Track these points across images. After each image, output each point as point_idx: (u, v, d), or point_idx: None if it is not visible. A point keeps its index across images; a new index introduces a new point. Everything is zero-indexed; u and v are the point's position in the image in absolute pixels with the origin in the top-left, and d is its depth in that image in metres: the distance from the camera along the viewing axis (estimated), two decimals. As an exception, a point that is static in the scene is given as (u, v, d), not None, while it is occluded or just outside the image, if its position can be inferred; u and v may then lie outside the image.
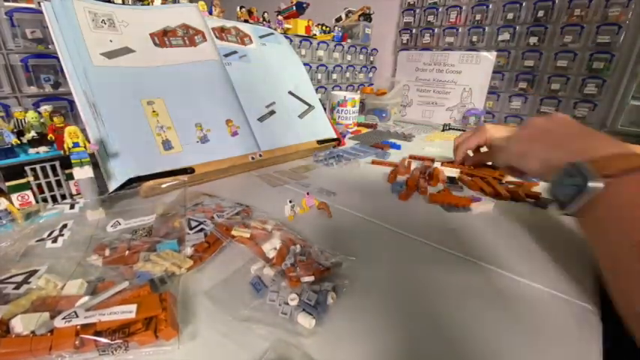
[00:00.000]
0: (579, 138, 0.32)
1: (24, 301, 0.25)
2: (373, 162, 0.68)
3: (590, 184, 0.26)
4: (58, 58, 0.47)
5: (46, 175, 0.40)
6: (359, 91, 1.29)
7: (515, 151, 0.38)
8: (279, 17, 0.99)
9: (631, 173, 0.26)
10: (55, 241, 0.35)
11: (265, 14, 0.96)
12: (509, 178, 0.56)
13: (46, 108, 0.46)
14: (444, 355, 0.24)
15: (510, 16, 1.08)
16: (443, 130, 1.08)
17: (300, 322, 0.25)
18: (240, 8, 0.90)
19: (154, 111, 0.52)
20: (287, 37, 0.90)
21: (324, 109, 0.82)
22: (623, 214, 0.26)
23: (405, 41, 1.34)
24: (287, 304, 0.26)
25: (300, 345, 0.24)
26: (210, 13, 0.78)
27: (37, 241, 0.35)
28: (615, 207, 0.26)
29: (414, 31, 1.30)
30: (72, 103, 0.58)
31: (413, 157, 0.71)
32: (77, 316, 0.23)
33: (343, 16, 1.31)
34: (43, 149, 0.40)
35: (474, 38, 1.17)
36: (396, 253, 0.37)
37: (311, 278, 0.29)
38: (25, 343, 0.21)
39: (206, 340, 0.24)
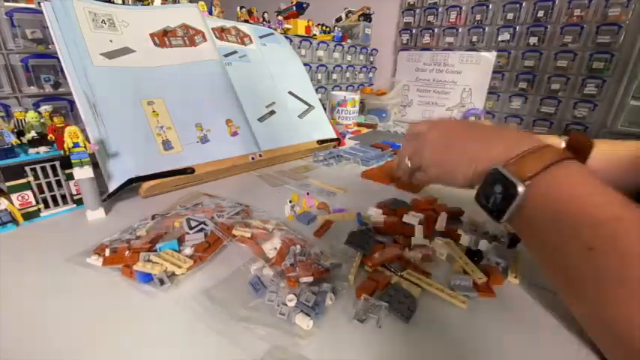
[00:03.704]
0: (488, 137, 0.31)
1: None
2: None
3: (519, 189, 0.25)
4: (58, 58, 0.48)
5: (46, 175, 0.40)
6: (359, 91, 1.28)
7: (435, 172, 0.35)
8: (279, 17, 0.98)
9: (546, 170, 0.25)
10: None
11: (265, 14, 0.96)
12: None
13: (46, 108, 0.46)
14: (443, 356, 0.24)
15: (510, 16, 1.08)
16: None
17: (298, 323, 0.25)
18: (240, 8, 0.90)
19: (154, 111, 0.52)
20: (287, 37, 0.90)
21: (324, 109, 0.82)
22: (553, 215, 0.25)
23: (405, 41, 1.34)
24: (285, 304, 0.26)
25: (297, 346, 0.24)
26: (210, 13, 0.78)
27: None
28: (542, 208, 0.25)
29: (414, 31, 1.30)
30: (72, 103, 0.58)
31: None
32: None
33: (343, 16, 1.31)
34: (43, 149, 0.40)
35: (474, 38, 1.16)
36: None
37: (310, 279, 0.29)
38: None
39: (205, 339, 0.24)
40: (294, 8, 1.03)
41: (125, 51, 0.53)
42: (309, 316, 0.25)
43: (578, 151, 0.41)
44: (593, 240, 0.22)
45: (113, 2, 0.60)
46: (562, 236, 0.24)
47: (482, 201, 0.29)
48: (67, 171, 0.41)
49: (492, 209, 0.28)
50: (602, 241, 0.22)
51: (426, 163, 0.36)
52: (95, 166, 0.42)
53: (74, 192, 0.43)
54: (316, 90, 0.93)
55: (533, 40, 1.05)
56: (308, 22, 1.05)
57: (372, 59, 1.39)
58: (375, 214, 0.42)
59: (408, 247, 0.36)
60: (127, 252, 0.32)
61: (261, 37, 0.77)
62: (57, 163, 0.41)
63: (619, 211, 0.22)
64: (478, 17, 1.14)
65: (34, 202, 0.40)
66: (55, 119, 0.41)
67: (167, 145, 0.51)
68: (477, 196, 0.30)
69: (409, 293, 0.28)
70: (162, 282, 0.29)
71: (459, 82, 1.20)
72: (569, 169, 0.26)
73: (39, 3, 0.48)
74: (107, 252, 0.33)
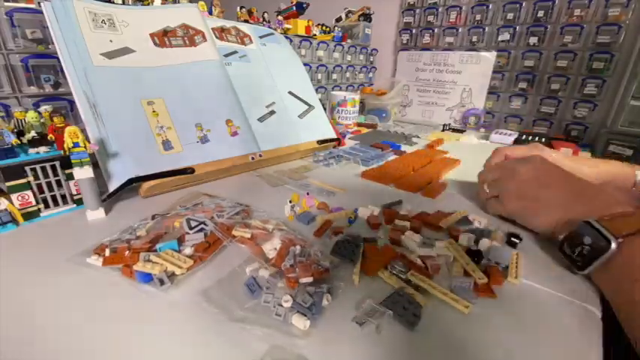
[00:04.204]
0: (585, 192, 0.33)
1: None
2: None
3: (612, 245, 0.27)
4: (58, 58, 0.47)
5: (46, 175, 0.40)
6: (359, 91, 1.28)
7: (516, 206, 0.38)
8: (279, 17, 0.98)
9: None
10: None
11: (265, 14, 0.96)
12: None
13: (46, 108, 0.46)
14: (442, 356, 0.24)
15: (510, 16, 1.08)
16: (443, 130, 1.08)
17: (295, 324, 0.25)
18: (240, 8, 0.90)
19: (154, 111, 0.52)
20: (287, 37, 0.90)
21: (324, 109, 0.82)
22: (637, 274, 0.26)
23: (405, 41, 1.34)
24: (281, 305, 0.26)
25: (294, 346, 0.24)
26: (210, 13, 0.77)
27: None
28: (630, 266, 0.27)
29: (414, 31, 1.30)
30: (72, 103, 0.58)
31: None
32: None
33: (343, 16, 1.31)
34: (43, 149, 0.40)
35: (474, 38, 1.16)
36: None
37: (309, 279, 0.29)
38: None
39: (204, 339, 0.24)
40: (294, 8, 1.03)
41: (125, 51, 0.53)
42: (306, 316, 0.25)
43: None
44: None
45: (113, 2, 0.60)
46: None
47: (567, 250, 0.32)
48: (67, 171, 0.41)
49: (577, 260, 0.30)
50: None
51: (506, 196, 0.39)
52: (95, 166, 0.42)
53: (74, 192, 0.43)
54: (316, 90, 0.93)
55: (533, 40, 1.05)
56: (308, 22, 1.05)
57: (372, 59, 1.39)
58: (363, 213, 0.44)
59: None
60: (127, 252, 0.32)
61: (261, 37, 0.77)
62: (57, 163, 0.41)
63: None
64: (478, 17, 1.14)
65: (34, 202, 0.40)
66: (55, 119, 0.41)
67: (167, 145, 0.51)
68: (561, 245, 0.32)
69: (414, 299, 0.28)
70: (162, 282, 0.29)
71: (459, 82, 1.20)
72: None
73: (39, 3, 0.48)
74: (107, 252, 0.32)
